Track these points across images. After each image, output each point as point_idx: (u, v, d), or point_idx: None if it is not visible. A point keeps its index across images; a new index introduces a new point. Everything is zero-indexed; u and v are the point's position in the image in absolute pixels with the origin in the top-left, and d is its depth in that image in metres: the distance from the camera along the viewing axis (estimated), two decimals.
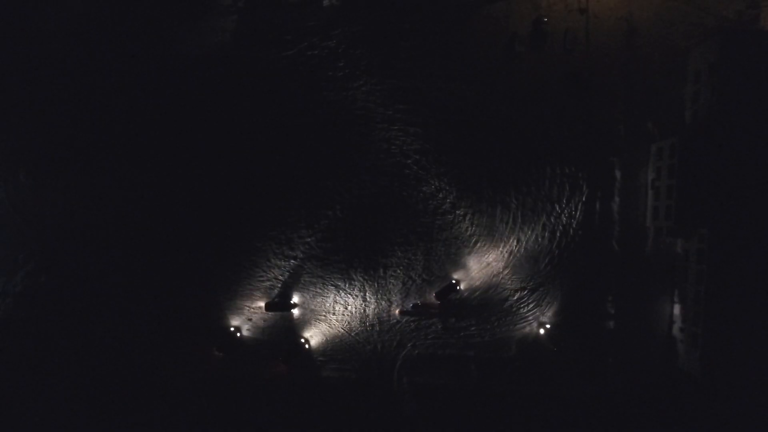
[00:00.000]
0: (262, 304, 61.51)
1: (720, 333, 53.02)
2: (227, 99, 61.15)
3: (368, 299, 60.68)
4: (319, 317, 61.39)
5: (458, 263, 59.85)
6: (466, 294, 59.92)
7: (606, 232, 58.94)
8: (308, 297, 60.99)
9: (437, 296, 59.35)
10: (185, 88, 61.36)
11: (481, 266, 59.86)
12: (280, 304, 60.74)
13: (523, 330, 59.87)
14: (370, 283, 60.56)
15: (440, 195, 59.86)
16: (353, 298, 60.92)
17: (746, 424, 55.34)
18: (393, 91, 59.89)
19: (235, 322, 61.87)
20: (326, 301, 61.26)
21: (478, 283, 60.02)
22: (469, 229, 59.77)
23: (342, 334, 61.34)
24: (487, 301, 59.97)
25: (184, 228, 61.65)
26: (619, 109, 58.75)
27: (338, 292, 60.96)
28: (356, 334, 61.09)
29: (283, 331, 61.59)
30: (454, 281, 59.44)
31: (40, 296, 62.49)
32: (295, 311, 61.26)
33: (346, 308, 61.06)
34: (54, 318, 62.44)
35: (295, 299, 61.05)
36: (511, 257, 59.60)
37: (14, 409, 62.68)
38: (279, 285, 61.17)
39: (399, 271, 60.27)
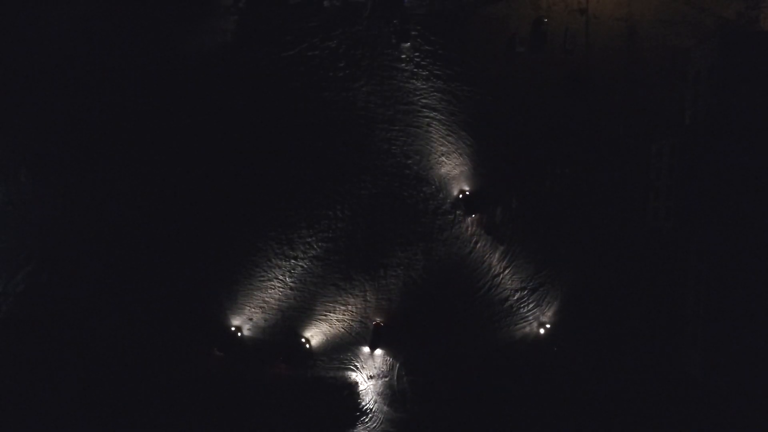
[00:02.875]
0: (265, 304, 61.65)
1: (720, 333, 53.13)
2: (227, 99, 61.21)
3: (368, 299, 60.76)
4: (319, 317, 61.47)
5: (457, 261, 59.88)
6: (465, 296, 60.11)
7: (606, 232, 59.09)
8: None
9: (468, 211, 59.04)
10: (185, 88, 61.40)
11: (482, 266, 59.99)
12: (375, 340, 59.58)
13: (523, 330, 60.00)
14: (371, 283, 60.64)
15: (440, 195, 60.01)
16: (353, 298, 61.00)
17: (747, 424, 55.40)
18: (393, 92, 60.03)
19: (235, 321, 61.93)
20: (327, 300, 61.30)
21: (477, 283, 60.15)
22: (470, 229, 59.91)
23: (342, 334, 61.40)
24: (488, 301, 60.09)
25: (185, 228, 61.68)
26: (618, 109, 58.93)
27: (338, 292, 61.03)
28: (356, 334, 61.16)
29: (283, 331, 61.66)
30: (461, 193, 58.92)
31: (41, 296, 62.48)
32: (365, 349, 60.56)
33: (346, 308, 61.13)
34: (55, 318, 62.41)
35: (378, 351, 60.12)
36: (512, 257, 59.73)
37: (14, 409, 62.61)
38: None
39: (399, 271, 60.39)
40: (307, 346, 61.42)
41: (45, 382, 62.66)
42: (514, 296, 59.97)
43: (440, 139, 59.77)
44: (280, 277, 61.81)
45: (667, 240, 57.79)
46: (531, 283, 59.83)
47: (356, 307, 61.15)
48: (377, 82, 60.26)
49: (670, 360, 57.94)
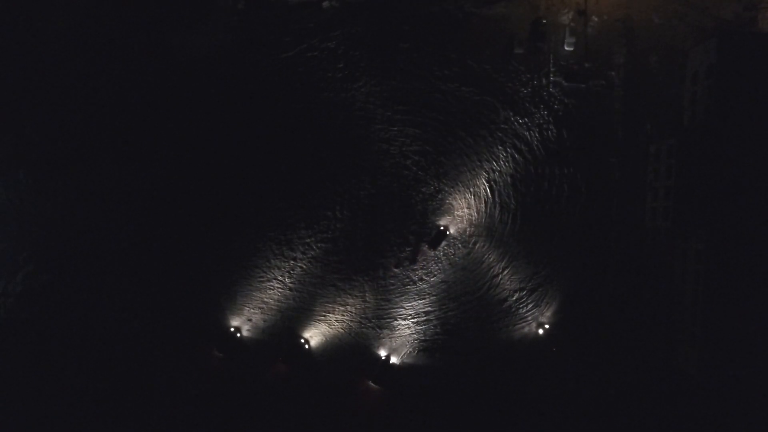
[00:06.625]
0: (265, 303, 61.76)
1: (717, 333, 53.29)
2: (226, 100, 61.36)
3: (368, 299, 60.89)
4: (319, 317, 61.61)
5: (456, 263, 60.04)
6: (465, 297, 60.24)
7: (604, 232, 59.21)
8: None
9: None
10: (185, 89, 61.58)
11: (481, 267, 60.10)
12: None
13: (522, 330, 60.10)
14: (370, 283, 60.77)
15: (439, 196, 60.10)
16: (353, 298, 61.11)
17: (744, 423, 55.59)
18: (392, 92, 60.14)
19: (235, 322, 62.07)
20: (326, 301, 61.41)
21: (477, 283, 60.26)
22: (468, 230, 60.02)
23: (342, 334, 61.52)
24: (486, 302, 60.18)
25: (184, 229, 61.84)
26: (617, 110, 59.09)
27: (338, 292, 61.16)
28: (356, 334, 61.29)
29: (283, 331, 61.79)
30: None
31: (41, 297, 62.62)
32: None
33: (346, 308, 61.26)
34: (54, 318, 62.57)
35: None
36: (510, 258, 59.84)
37: (14, 409, 62.74)
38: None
39: (398, 271, 60.49)
40: (307, 346, 61.57)
41: (45, 382, 62.88)
42: (513, 297, 60.09)
43: (439, 139, 59.90)
44: (279, 278, 61.94)
45: (665, 240, 57.94)
46: (530, 284, 59.95)
47: (355, 308, 61.26)
48: (376, 83, 60.40)
49: (667, 360, 58.07)
